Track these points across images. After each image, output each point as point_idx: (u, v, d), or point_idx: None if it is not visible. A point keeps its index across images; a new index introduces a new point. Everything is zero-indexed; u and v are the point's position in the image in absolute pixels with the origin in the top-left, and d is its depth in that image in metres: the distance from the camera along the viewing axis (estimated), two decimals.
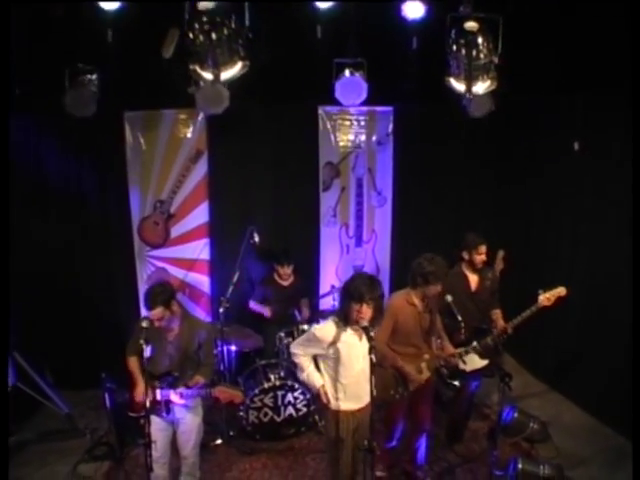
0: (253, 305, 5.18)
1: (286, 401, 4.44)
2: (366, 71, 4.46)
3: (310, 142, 5.61)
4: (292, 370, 4.22)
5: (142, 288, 5.34)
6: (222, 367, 4.67)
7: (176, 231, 5.54)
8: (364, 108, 5.54)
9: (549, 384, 5.31)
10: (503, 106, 4.18)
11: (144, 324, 3.14)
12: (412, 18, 3.71)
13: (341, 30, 4.04)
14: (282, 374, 4.46)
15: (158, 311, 3.21)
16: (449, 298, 3.71)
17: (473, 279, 4.17)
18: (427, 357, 3.59)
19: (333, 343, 3.03)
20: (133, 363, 3.45)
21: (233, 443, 4.42)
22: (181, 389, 3.34)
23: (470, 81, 3.38)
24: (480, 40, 3.28)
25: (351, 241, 5.92)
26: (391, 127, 5.70)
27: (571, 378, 5.01)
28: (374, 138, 5.74)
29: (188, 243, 5.57)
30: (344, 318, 3.02)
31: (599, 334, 4.67)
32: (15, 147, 4.34)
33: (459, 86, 3.58)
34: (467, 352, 3.71)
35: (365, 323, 2.93)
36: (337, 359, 3.05)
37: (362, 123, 5.68)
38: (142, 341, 3.05)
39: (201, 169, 5.45)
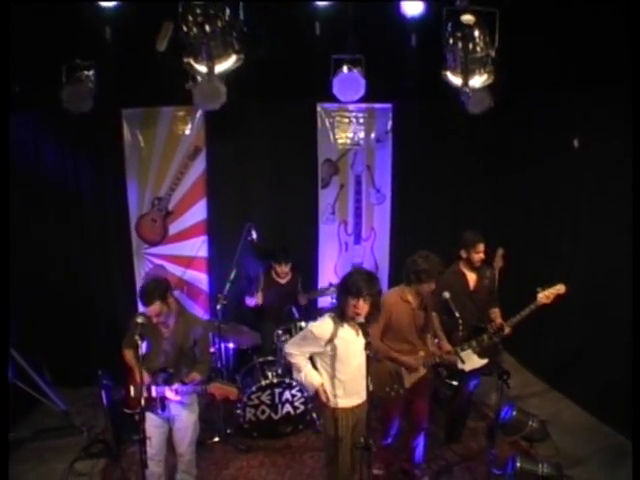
0: (249, 301, 5.16)
1: (283, 399, 4.42)
2: (364, 68, 4.44)
3: (308, 139, 5.60)
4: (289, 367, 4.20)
5: (140, 285, 5.33)
6: (219, 364, 4.66)
7: (174, 228, 5.53)
8: (363, 105, 5.53)
9: (548, 382, 5.29)
10: (502, 102, 4.15)
11: (139, 320, 3.10)
12: (411, 15, 3.69)
13: (340, 27, 4.01)
14: (279, 371, 4.45)
15: (155, 306, 3.20)
16: (446, 294, 3.68)
17: (471, 278, 4.15)
18: (422, 354, 3.57)
19: (331, 340, 3.01)
20: (129, 355, 3.44)
21: (230, 441, 4.41)
22: (176, 385, 3.32)
23: (467, 75, 3.37)
24: (477, 33, 3.27)
25: (350, 238, 5.91)
26: (390, 124, 5.70)
27: (571, 376, 4.99)
28: (373, 135, 5.73)
29: (186, 240, 5.57)
30: (340, 313, 3.01)
31: (599, 332, 4.64)
32: (12, 145, 4.32)
33: (456, 80, 3.57)
34: (463, 349, 3.68)
35: (361, 319, 2.91)
36: (334, 356, 3.03)
37: (361, 120, 5.67)
38: (137, 337, 3.02)
39: (199, 166, 5.45)
